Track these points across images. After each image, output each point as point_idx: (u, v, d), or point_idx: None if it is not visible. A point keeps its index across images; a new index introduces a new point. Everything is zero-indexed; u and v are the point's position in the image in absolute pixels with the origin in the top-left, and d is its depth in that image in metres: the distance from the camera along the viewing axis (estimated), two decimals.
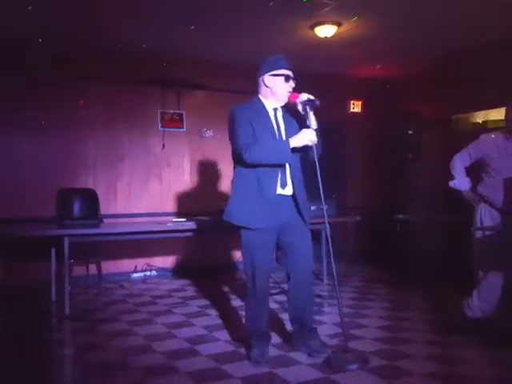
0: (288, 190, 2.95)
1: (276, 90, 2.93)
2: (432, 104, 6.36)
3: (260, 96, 3.02)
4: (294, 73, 2.95)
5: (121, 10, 4.36)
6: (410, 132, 6.39)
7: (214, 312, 4.19)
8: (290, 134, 2.94)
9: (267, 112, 2.97)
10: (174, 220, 5.14)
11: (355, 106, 7.10)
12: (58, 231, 4.29)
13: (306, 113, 2.88)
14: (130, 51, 5.48)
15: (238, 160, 2.92)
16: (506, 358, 3.04)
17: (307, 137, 2.84)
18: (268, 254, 2.97)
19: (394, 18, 4.64)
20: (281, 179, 2.91)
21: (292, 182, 2.96)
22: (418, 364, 2.95)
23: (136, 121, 5.87)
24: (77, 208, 5.26)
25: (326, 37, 4.88)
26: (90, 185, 5.55)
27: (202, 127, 6.23)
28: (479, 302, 3.51)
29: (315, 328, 3.17)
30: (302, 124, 2.93)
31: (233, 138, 2.95)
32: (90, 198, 5.37)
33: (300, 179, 3.01)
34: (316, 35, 4.92)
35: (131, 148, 5.85)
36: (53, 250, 4.71)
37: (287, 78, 2.92)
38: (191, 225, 4.83)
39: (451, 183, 3.77)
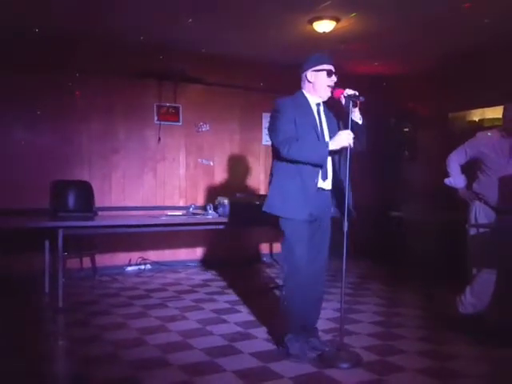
0: (327, 184, 2.99)
1: (318, 85, 2.98)
2: (429, 102, 6.36)
3: (303, 91, 3.06)
4: (335, 68, 3.01)
5: (119, 2, 4.32)
6: (406, 129, 6.40)
7: (208, 306, 4.18)
8: (331, 129, 3.01)
9: (310, 107, 3.01)
10: (169, 214, 5.13)
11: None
12: (52, 223, 4.26)
13: (349, 108, 2.89)
14: (127, 43, 5.43)
15: (277, 154, 2.95)
16: (497, 354, 3.06)
17: (345, 139, 2.84)
18: (307, 245, 2.97)
19: (392, 15, 4.62)
20: (322, 172, 2.92)
21: (333, 176, 3.01)
22: (411, 359, 2.97)
23: (132, 113, 5.83)
24: (71, 200, 5.23)
25: (324, 32, 4.85)
26: (84, 177, 5.51)
27: (198, 121, 6.21)
28: (472, 299, 3.54)
29: (316, 327, 3.18)
30: (345, 120, 2.94)
31: (273, 131, 2.97)
32: (85, 191, 5.34)
33: (346, 174, 2.94)
34: (314, 30, 4.89)
35: (126, 141, 5.82)
36: (46, 242, 4.68)
37: (329, 73, 2.97)
38: (186, 219, 4.83)
39: (447, 181, 3.78)
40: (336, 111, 3.11)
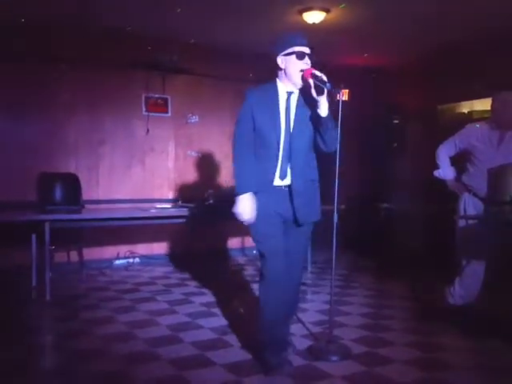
0: (286, 182, 2.67)
1: (289, 71, 2.62)
2: (418, 94, 6.37)
3: (277, 79, 2.73)
4: (311, 50, 2.63)
5: None
6: (395, 121, 6.40)
7: (197, 299, 4.16)
8: (299, 123, 2.65)
9: (277, 98, 2.67)
10: (158, 206, 5.09)
11: (342, 94, 7.04)
12: (38, 216, 4.19)
13: (316, 97, 2.54)
14: (115, 33, 5.35)
15: None
16: (486, 345, 3.09)
17: (238, 212, 2.59)
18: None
19: (382, 7, 4.60)
20: (280, 168, 2.64)
21: (292, 173, 2.66)
22: (399, 351, 2.98)
23: (119, 104, 5.75)
24: (58, 193, 5.15)
25: (314, 23, 4.83)
26: (71, 169, 5.44)
27: (187, 112, 6.15)
28: (461, 290, 3.57)
29: (288, 341, 2.88)
30: (314, 110, 2.59)
31: (236, 121, 2.75)
32: (72, 183, 5.27)
33: (307, 171, 2.71)
34: (304, 21, 4.86)
35: (114, 132, 5.74)
36: (33, 236, 4.61)
37: (300, 56, 2.59)
38: (175, 211, 4.79)
39: (436, 172, 3.78)
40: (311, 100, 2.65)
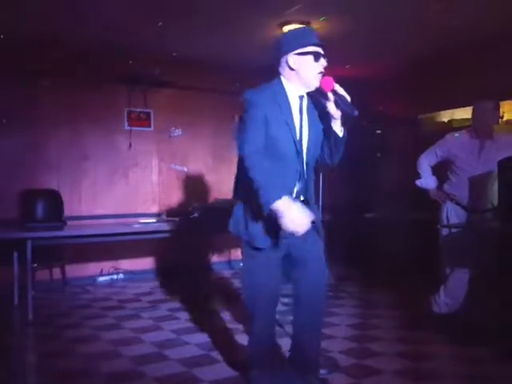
0: (301, 197, 2.45)
1: (304, 73, 2.33)
2: (399, 104, 6.45)
3: (282, 78, 2.41)
4: (323, 49, 2.37)
5: (86, 5, 4.22)
6: (378, 131, 6.46)
7: (183, 315, 4.10)
8: (313, 134, 2.43)
9: (289, 100, 2.37)
10: (142, 221, 5.03)
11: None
12: (20, 234, 4.13)
13: (333, 114, 2.36)
14: (96, 48, 5.33)
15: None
16: (472, 353, 3.09)
17: (293, 223, 2.13)
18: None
19: (362, 19, 4.65)
20: (299, 183, 2.42)
21: (305, 187, 2.45)
22: (387, 361, 2.97)
23: (101, 119, 5.70)
24: (40, 210, 5.09)
25: None
26: (53, 185, 5.36)
27: (170, 126, 6.12)
28: (446, 298, 3.58)
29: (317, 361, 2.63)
30: (327, 121, 2.40)
31: (240, 133, 2.31)
32: (54, 200, 5.21)
33: (313, 184, 2.52)
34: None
35: (96, 147, 5.68)
36: (15, 254, 4.53)
37: (317, 57, 2.32)
38: (159, 226, 4.74)
39: (418, 182, 3.81)
40: (318, 103, 2.47)
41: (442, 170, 3.81)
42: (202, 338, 3.48)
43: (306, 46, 2.32)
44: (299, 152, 2.36)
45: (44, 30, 4.80)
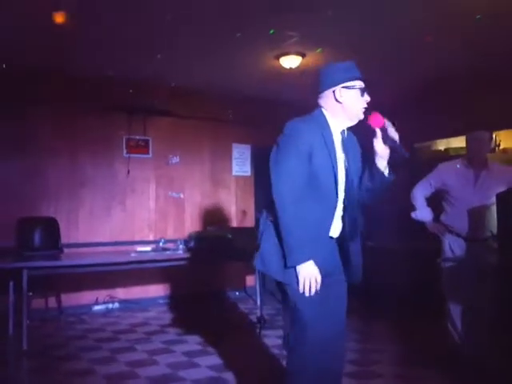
0: (334, 232, 2.30)
1: (350, 107, 2.29)
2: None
3: (324, 111, 2.33)
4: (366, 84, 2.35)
5: (87, 37, 4.29)
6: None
7: (179, 348, 4.04)
8: (355, 171, 2.33)
9: (333, 137, 2.29)
10: (138, 249, 5.01)
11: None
12: (16, 264, 4.12)
13: (379, 152, 2.27)
14: (97, 78, 5.40)
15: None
16: None
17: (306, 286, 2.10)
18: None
19: (357, 50, 4.72)
20: (338, 219, 2.30)
21: (347, 223, 2.31)
22: None
23: (100, 147, 5.74)
24: (37, 238, 5.08)
25: (290, 67, 4.93)
26: (51, 213, 5.36)
27: (168, 153, 6.16)
28: (453, 330, 3.50)
29: None
30: (369, 159, 2.32)
31: (277, 164, 2.17)
32: (51, 227, 5.20)
33: (353, 215, 2.33)
34: (281, 65, 4.97)
35: (95, 174, 5.71)
36: (11, 283, 4.49)
37: (363, 91, 2.31)
38: (155, 255, 4.72)
39: (413, 214, 3.71)
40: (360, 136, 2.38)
41: (435, 199, 3.75)
42: (199, 373, 3.41)
43: (352, 79, 2.30)
44: (339, 187, 2.26)
45: (44, 60, 4.87)
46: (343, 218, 2.30)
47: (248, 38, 4.37)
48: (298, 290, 2.12)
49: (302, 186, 2.14)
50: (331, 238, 2.28)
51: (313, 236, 2.14)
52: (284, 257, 2.13)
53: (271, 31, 4.24)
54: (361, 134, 2.39)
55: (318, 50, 4.76)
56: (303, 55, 4.83)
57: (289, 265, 2.10)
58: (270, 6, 3.76)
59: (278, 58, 4.88)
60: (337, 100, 2.29)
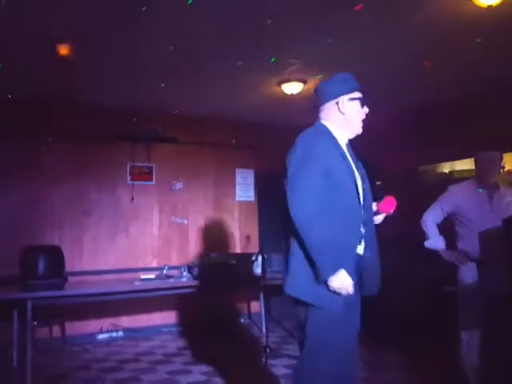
0: (361, 248, 2.25)
1: (353, 118, 2.30)
2: (399, 155, 6.49)
3: (326, 123, 2.31)
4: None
5: (91, 67, 4.36)
6: (378, 183, 6.48)
7: (184, 379, 3.98)
8: (365, 179, 2.32)
9: (342, 148, 2.27)
10: (142, 277, 4.98)
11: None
12: (20, 295, 4.10)
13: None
14: (101, 107, 5.47)
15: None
16: None
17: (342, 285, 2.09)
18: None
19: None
20: (363, 234, 2.26)
21: (367, 238, 2.27)
22: None
23: (104, 175, 5.78)
24: (41, 267, 5.03)
25: (292, 94, 4.98)
26: (55, 241, 5.36)
27: (171, 180, 6.19)
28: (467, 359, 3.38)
29: None
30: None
31: (296, 181, 2.10)
32: (55, 256, 5.15)
33: (374, 229, 2.33)
34: (283, 91, 5.02)
35: (98, 202, 5.73)
36: (15, 313, 4.47)
37: (363, 103, 2.32)
38: (159, 283, 4.69)
39: (427, 243, 3.48)
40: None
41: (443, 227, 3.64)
42: None
43: (354, 91, 2.31)
44: (361, 201, 2.22)
45: (48, 89, 4.94)
46: (370, 232, 2.26)
47: (251, 65, 4.43)
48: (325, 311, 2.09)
49: (325, 204, 2.09)
50: (358, 255, 2.21)
51: (341, 253, 2.09)
52: (314, 278, 2.09)
53: (272, 59, 4.30)
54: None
55: (319, 77, 4.80)
56: (304, 82, 4.88)
57: (321, 279, 2.06)
58: (271, 34, 3.81)
59: (279, 84, 4.94)
60: (340, 111, 2.28)
